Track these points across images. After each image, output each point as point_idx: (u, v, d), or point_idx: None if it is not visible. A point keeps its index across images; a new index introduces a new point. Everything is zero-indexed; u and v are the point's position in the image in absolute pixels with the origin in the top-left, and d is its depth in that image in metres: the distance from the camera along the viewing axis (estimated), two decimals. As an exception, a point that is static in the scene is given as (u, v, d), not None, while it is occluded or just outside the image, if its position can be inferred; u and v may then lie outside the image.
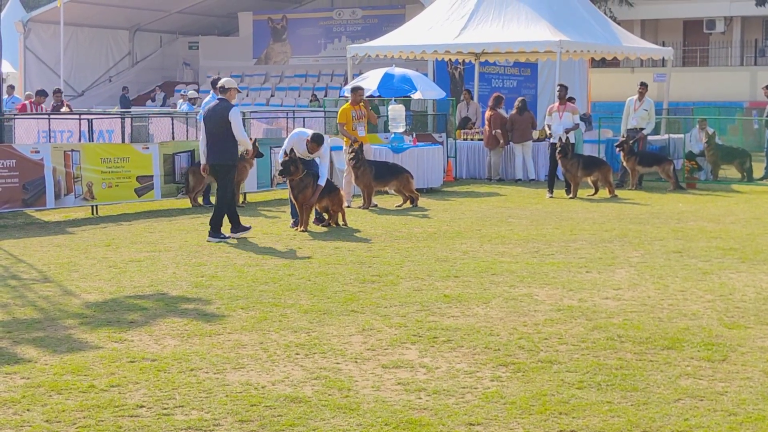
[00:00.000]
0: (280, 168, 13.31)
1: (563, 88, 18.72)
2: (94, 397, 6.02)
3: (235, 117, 12.39)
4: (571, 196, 18.08)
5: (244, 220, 13.22)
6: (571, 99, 19.47)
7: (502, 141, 21.71)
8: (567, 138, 18.15)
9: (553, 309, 8.44)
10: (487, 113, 22.11)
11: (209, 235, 12.48)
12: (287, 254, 11.47)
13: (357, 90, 16.83)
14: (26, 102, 21.87)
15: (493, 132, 21.67)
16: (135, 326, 7.86)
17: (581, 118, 21.08)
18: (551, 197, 18.06)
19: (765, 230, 13.44)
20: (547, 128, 19.28)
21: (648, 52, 26.38)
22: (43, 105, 21.45)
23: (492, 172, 22.03)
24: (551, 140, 18.67)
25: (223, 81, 12.89)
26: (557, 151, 18.11)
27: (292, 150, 13.19)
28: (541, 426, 5.52)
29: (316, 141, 13.24)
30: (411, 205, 16.45)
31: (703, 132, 21.53)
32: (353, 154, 16.01)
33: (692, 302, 8.73)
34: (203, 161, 12.72)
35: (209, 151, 12.54)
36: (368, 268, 10.42)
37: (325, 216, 13.83)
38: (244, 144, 12.94)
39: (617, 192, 18.39)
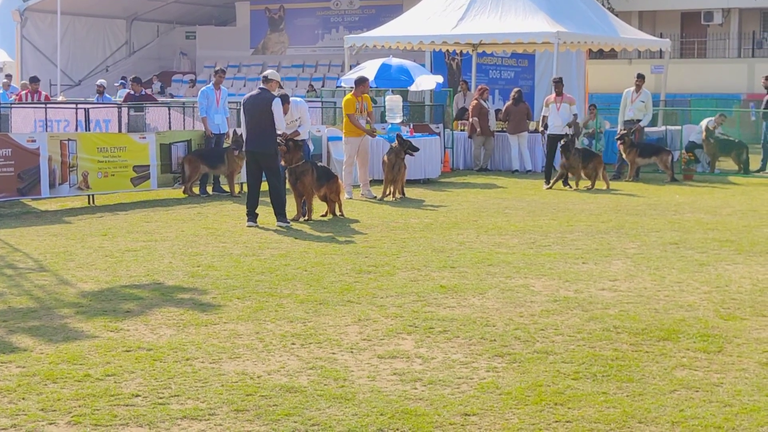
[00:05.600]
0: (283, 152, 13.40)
1: (558, 85, 18.61)
2: (89, 386, 6.01)
3: (276, 108, 12.75)
4: (573, 188, 18.09)
5: (241, 211, 13.22)
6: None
7: (479, 129, 21.80)
8: (569, 134, 18.17)
9: (549, 300, 8.44)
10: (471, 103, 22.26)
11: (277, 221, 12.91)
12: (283, 244, 11.46)
13: (362, 81, 16.65)
14: (22, 92, 21.72)
15: (470, 119, 21.88)
16: (131, 316, 7.86)
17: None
18: (548, 188, 18.07)
19: (761, 222, 13.45)
20: (543, 120, 19.28)
21: (646, 44, 26.37)
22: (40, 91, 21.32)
23: (475, 160, 22.21)
24: (547, 132, 18.66)
25: (267, 72, 13.32)
26: (560, 146, 18.10)
27: (284, 134, 13.22)
28: (537, 416, 5.52)
29: (284, 101, 13.31)
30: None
31: (718, 125, 21.42)
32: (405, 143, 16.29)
33: (688, 294, 8.74)
34: (244, 147, 13.18)
35: (249, 139, 12.90)
36: (364, 258, 10.42)
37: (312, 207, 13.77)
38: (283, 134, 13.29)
39: (614, 184, 18.39)
